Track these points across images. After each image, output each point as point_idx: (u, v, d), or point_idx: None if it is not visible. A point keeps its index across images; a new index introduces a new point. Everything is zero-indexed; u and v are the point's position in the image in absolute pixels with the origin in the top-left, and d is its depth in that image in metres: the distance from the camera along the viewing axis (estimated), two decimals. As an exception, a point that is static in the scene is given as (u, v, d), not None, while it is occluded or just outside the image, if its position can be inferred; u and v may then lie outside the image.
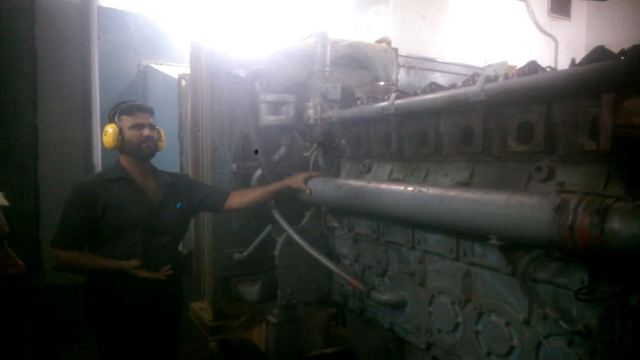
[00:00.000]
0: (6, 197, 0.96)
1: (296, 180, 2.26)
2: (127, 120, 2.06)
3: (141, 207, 2.03)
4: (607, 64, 1.14)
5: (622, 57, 1.11)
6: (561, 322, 1.22)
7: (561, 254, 1.14)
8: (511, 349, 1.42)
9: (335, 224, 2.27)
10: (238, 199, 2.31)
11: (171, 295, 2.12)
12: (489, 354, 1.50)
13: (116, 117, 2.06)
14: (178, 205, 2.16)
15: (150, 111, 2.15)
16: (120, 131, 2.04)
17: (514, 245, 1.31)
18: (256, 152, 2.43)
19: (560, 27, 7.25)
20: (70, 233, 1.96)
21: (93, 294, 2.02)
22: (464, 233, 1.51)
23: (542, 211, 1.11)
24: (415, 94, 1.80)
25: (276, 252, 2.32)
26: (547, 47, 7.13)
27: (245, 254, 2.64)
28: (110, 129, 2.04)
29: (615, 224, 0.99)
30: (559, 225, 1.06)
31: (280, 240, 2.33)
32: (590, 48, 1.26)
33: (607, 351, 1.15)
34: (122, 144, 2.06)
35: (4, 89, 4.34)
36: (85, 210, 1.95)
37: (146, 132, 2.08)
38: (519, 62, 1.54)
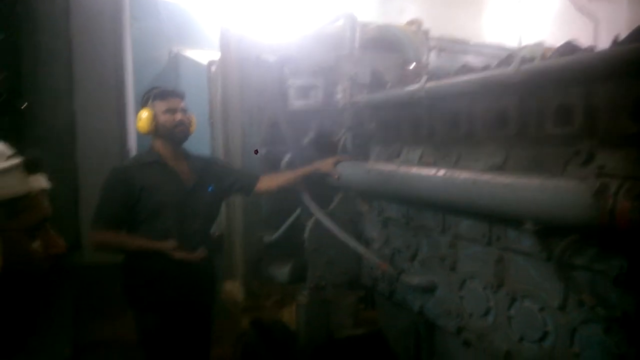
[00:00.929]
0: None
1: (325, 164, 2.28)
2: (160, 105, 2.12)
3: (175, 190, 2.10)
4: (652, 42, 1.09)
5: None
6: (598, 309, 1.20)
7: (599, 239, 1.12)
8: (545, 335, 1.40)
9: (365, 208, 2.28)
10: (267, 183, 2.35)
11: (205, 275, 2.20)
12: (521, 339, 1.49)
13: (149, 102, 2.12)
14: (210, 189, 2.21)
15: (182, 96, 2.20)
16: (154, 116, 2.10)
17: (549, 230, 1.28)
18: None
19: (600, 6, 6.89)
20: (109, 215, 2.04)
21: (131, 273, 2.11)
22: (497, 218, 1.49)
23: (580, 195, 1.09)
24: (447, 77, 1.77)
25: (305, 235, 2.36)
26: (585, 27, 6.81)
27: (275, 236, 2.69)
28: (145, 113, 2.10)
29: (659, 209, 0.96)
30: (598, 210, 1.04)
31: (309, 223, 2.36)
32: (632, 28, 1.20)
33: (645, 338, 1.12)
34: (156, 129, 2.12)
35: (42, 76, 4.51)
36: (123, 192, 2.03)
37: (179, 116, 2.13)
38: (556, 44, 1.49)
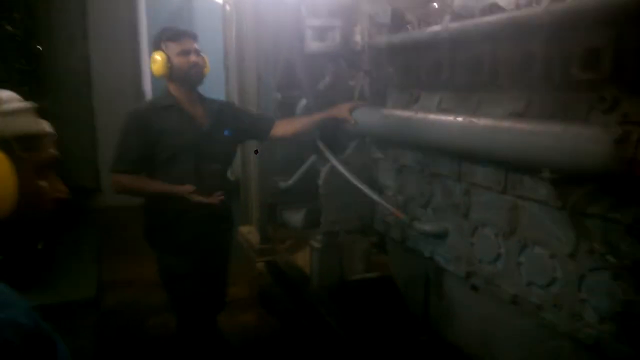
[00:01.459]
0: (61, 124, 1.04)
1: (341, 110, 2.24)
2: (173, 47, 2.07)
3: (192, 133, 2.11)
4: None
5: None
6: (608, 257, 1.21)
7: (617, 188, 1.10)
8: (553, 280, 1.42)
9: (380, 155, 2.27)
10: (283, 128, 2.34)
11: (223, 218, 2.25)
12: (529, 284, 1.52)
13: (162, 44, 2.08)
14: (225, 133, 2.22)
15: (194, 37, 2.15)
16: (168, 58, 2.06)
17: (566, 179, 1.27)
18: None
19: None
20: (128, 158, 2.08)
21: (152, 215, 2.18)
22: (514, 166, 1.47)
23: (601, 143, 1.06)
24: (472, 17, 1.68)
25: (320, 182, 2.38)
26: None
27: (290, 182, 2.72)
28: (158, 56, 2.06)
29: (682, 158, 0.93)
30: (619, 158, 1.02)
31: (324, 169, 2.37)
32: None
33: (654, 286, 1.14)
34: (170, 72, 2.08)
35: (55, 19, 4.44)
36: (141, 136, 2.04)
37: (193, 58, 2.09)
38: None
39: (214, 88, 3.50)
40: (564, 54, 1.37)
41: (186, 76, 2.09)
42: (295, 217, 2.76)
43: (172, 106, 2.11)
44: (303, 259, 2.80)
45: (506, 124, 1.35)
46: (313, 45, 2.33)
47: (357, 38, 2.23)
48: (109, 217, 4.43)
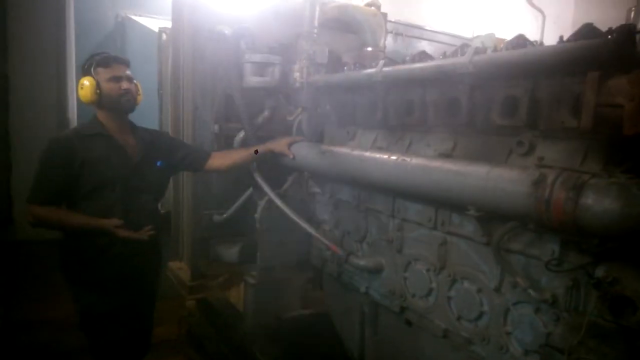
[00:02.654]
0: None
1: (279, 144, 2.25)
2: (103, 73, 1.98)
3: (120, 164, 2.00)
4: (594, 42, 1.15)
5: (609, 36, 1.12)
6: (530, 291, 1.28)
7: (536, 226, 1.19)
8: (481, 314, 1.49)
9: (317, 190, 2.28)
10: (219, 160, 2.29)
11: (150, 253, 2.13)
12: (459, 318, 1.57)
13: (92, 69, 1.98)
14: (158, 164, 2.13)
15: (127, 63, 2.07)
16: (98, 84, 1.97)
17: (490, 216, 1.34)
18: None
19: (549, 2, 7.21)
20: (47, 189, 1.92)
21: (71, 250, 2.01)
22: (443, 203, 1.54)
23: (520, 184, 1.14)
24: (404, 62, 1.78)
25: (257, 215, 2.34)
26: (534, 20, 7.11)
27: (225, 215, 2.64)
28: (87, 82, 1.96)
29: (590, 200, 1.02)
30: (536, 199, 1.10)
31: (261, 203, 2.34)
32: (578, 23, 1.26)
33: (571, 319, 1.21)
34: (99, 98, 1.98)
35: (-29, 34, 4.10)
36: (62, 165, 1.90)
37: (125, 84, 2.00)
38: (506, 35, 1.54)
39: (146, 116, 3.37)
40: (486, 100, 1.48)
41: (117, 103, 2.00)
42: (230, 252, 2.66)
43: (100, 134, 1.99)
44: (237, 295, 2.70)
45: (435, 163, 1.42)
46: (252, 79, 2.34)
47: (296, 75, 2.28)
48: (22, 251, 4.02)
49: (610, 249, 1.11)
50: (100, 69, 1.98)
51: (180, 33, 2.65)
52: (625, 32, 1.11)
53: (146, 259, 2.10)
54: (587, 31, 1.22)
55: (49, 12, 4.15)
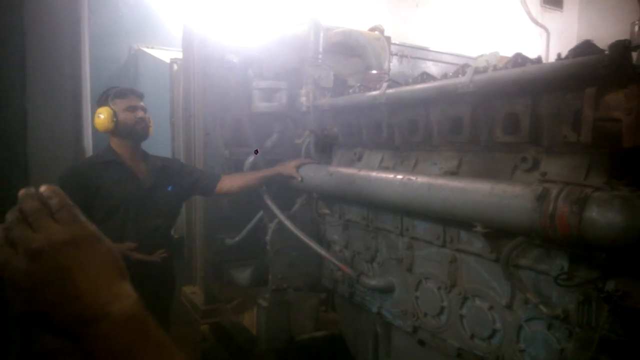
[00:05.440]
0: None
1: (287, 167, 2.29)
2: (121, 103, 2.11)
3: (132, 189, 2.07)
4: (590, 58, 1.17)
5: (606, 52, 1.15)
6: (541, 307, 1.28)
7: (542, 241, 1.19)
8: (494, 332, 1.47)
9: (326, 211, 2.30)
10: (229, 183, 2.34)
11: (164, 278, 2.16)
12: (472, 336, 1.55)
13: (110, 100, 2.10)
14: (170, 189, 2.20)
15: (141, 96, 2.21)
16: (115, 113, 2.08)
17: (498, 233, 1.35)
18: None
19: (553, 18, 7.27)
20: None
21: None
22: (450, 220, 1.55)
23: (524, 200, 1.16)
24: (407, 84, 1.83)
25: (268, 238, 2.36)
26: (539, 37, 7.17)
27: (237, 239, 2.67)
28: (104, 111, 2.08)
29: (594, 213, 1.03)
30: (540, 214, 1.11)
31: (271, 226, 2.36)
32: (582, 39, 1.29)
33: (583, 334, 1.20)
34: (115, 126, 2.09)
35: (-9, 70, 4.27)
36: (77, 191, 1.97)
37: (140, 114, 2.13)
38: (511, 53, 1.57)
39: (159, 145, 3.45)
40: (489, 118, 1.51)
41: (132, 131, 2.11)
42: (242, 275, 2.68)
43: (113, 161, 2.09)
44: (250, 319, 2.69)
45: (440, 181, 1.44)
46: (260, 105, 2.41)
47: (303, 100, 2.33)
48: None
49: (619, 263, 1.11)
50: (117, 100, 2.11)
51: (191, 63, 2.75)
52: (621, 48, 1.14)
53: (159, 283, 2.13)
54: (585, 48, 1.25)
55: (66, 48, 4.32)
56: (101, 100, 2.13)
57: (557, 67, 1.26)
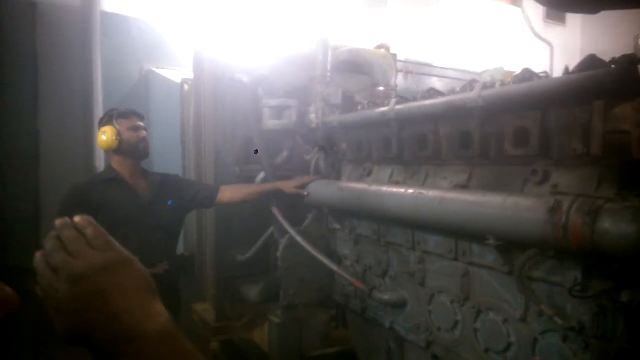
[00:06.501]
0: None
1: (288, 186, 2.35)
2: (124, 123, 2.23)
3: (133, 205, 2.18)
4: (597, 72, 1.20)
5: (612, 66, 1.17)
6: (556, 319, 1.28)
7: (555, 253, 1.20)
8: (509, 346, 1.47)
9: (337, 226, 2.32)
10: (230, 194, 2.42)
11: (168, 292, 2.18)
12: (487, 350, 1.55)
13: (114, 121, 2.20)
14: (170, 203, 2.28)
15: (142, 117, 2.34)
16: (119, 132, 2.17)
17: (510, 245, 1.36)
18: (256, 152, 2.52)
19: (556, 33, 7.35)
20: None
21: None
22: (462, 234, 1.57)
23: (537, 212, 1.17)
24: (415, 100, 1.86)
25: (279, 254, 2.37)
26: (542, 52, 7.23)
27: (248, 255, 2.69)
28: (108, 130, 2.19)
29: (606, 224, 1.04)
30: (553, 226, 1.12)
31: (282, 241, 2.38)
32: (585, 53, 1.32)
33: (600, 346, 1.20)
34: (119, 145, 2.19)
35: (5, 93, 4.38)
36: (79, 209, 2.05)
37: (143, 133, 2.26)
38: (515, 68, 1.61)
39: (171, 164, 3.51)
40: (497, 132, 1.53)
41: (135, 149, 2.23)
42: (253, 292, 2.69)
43: (114, 179, 2.21)
44: (261, 335, 2.69)
45: (451, 195, 1.46)
46: (270, 123, 2.45)
47: (312, 117, 2.38)
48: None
49: (633, 273, 1.11)
50: (121, 120, 2.23)
51: (202, 83, 2.82)
52: (627, 62, 1.16)
53: (164, 297, 2.15)
54: (591, 62, 1.28)
55: (78, 70, 4.43)
56: (105, 120, 2.25)
57: (566, 81, 1.29)
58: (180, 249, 3.26)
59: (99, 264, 0.59)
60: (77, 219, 0.66)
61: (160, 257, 2.13)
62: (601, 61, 1.25)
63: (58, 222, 0.64)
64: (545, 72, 1.51)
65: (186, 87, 3.57)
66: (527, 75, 1.47)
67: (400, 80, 4.52)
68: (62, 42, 4.51)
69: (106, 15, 4.52)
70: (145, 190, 2.26)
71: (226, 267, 2.72)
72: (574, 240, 1.08)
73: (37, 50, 4.47)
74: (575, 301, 1.26)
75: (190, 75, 3.17)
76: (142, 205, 2.19)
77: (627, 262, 1.05)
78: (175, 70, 4.45)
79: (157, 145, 4.06)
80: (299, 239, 2.28)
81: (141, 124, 2.28)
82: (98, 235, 0.63)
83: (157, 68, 4.60)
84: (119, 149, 2.20)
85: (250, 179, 2.67)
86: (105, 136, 2.18)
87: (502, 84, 1.53)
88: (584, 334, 1.24)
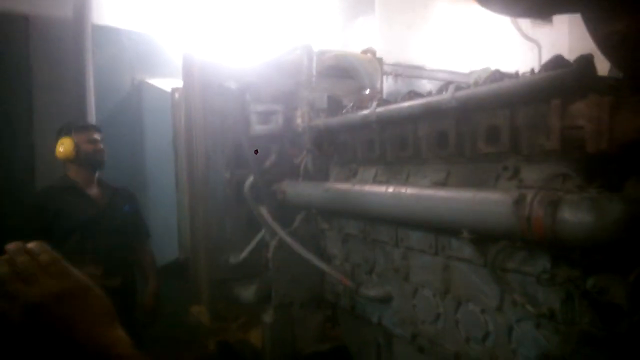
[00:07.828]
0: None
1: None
2: (83, 135, 2.46)
3: (89, 210, 2.36)
4: (558, 72, 1.28)
5: (572, 66, 1.25)
6: (528, 307, 1.34)
7: (522, 243, 1.27)
8: (487, 334, 1.53)
9: (325, 226, 2.39)
10: (146, 261, 2.75)
11: (124, 306, 2.29)
12: (467, 340, 1.61)
13: (72, 133, 2.43)
14: (126, 208, 2.43)
15: (99, 130, 2.59)
16: (77, 144, 2.41)
17: (484, 238, 1.43)
18: (256, 152, 2.60)
19: (543, 33, 7.45)
20: (24, 236, 2.15)
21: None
22: (440, 229, 1.63)
23: (503, 205, 1.24)
24: (395, 102, 1.93)
25: (269, 255, 2.43)
26: (530, 52, 7.33)
27: (240, 257, 2.75)
28: (67, 141, 2.36)
29: (566, 214, 1.11)
30: (518, 217, 1.19)
31: (273, 243, 2.44)
32: (573, 51, 1.39)
33: (567, 330, 1.27)
34: (77, 155, 2.38)
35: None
36: (38, 215, 2.25)
37: (99, 145, 2.52)
38: (504, 68, 1.68)
39: (163, 169, 3.56)
40: (472, 131, 1.60)
41: (92, 159, 2.44)
42: (247, 293, 2.74)
43: (70, 187, 2.37)
44: (256, 335, 2.74)
45: (427, 192, 1.53)
46: (258, 128, 2.52)
47: (299, 121, 2.45)
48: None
49: (598, 261, 1.18)
50: (80, 133, 2.45)
51: (191, 90, 2.88)
52: (584, 62, 1.24)
53: (120, 313, 2.24)
54: (556, 62, 1.35)
55: (71, 82, 4.48)
56: (62, 132, 2.40)
57: (531, 81, 1.36)
58: (175, 253, 3.31)
59: (54, 291, 0.56)
60: (30, 244, 0.61)
61: (115, 261, 2.27)
62: (566, 61, 1.33)
63: (11, 246, 0.60)
64: (516, 72, 1.58)
65: (176, 95, 3.64)
66: (497, 76, 1.55)
67: (389, 83, 4.59)
68: (55, 54, 4.57)
69: (98, 27, 4.58)
70: (99, 197, 2.47)
71: (220, 269, 2.77)
72: (537, 230, 1.15)
73: (31, 63, 4.53)
74: (546, 289, 1.32)
75: (181, 84, 3.23)
76: (97, 211, 2.39)
77: (587, 249, 1.12)
78: (166, 79, 4.51)
79: (150, 152, 4.12)
80: (288, 240, 2.34)
81: (97, 137, 2.49)
82: (53, 262, 0.60)
83: (149, 78, 4.67)
84: (76, 158, 2.39)
85: (240, 183, 2.73)
86: (62, 147, 2.34)
87: (475, 84, 1.61)
88: (554, 319, 1.30)
